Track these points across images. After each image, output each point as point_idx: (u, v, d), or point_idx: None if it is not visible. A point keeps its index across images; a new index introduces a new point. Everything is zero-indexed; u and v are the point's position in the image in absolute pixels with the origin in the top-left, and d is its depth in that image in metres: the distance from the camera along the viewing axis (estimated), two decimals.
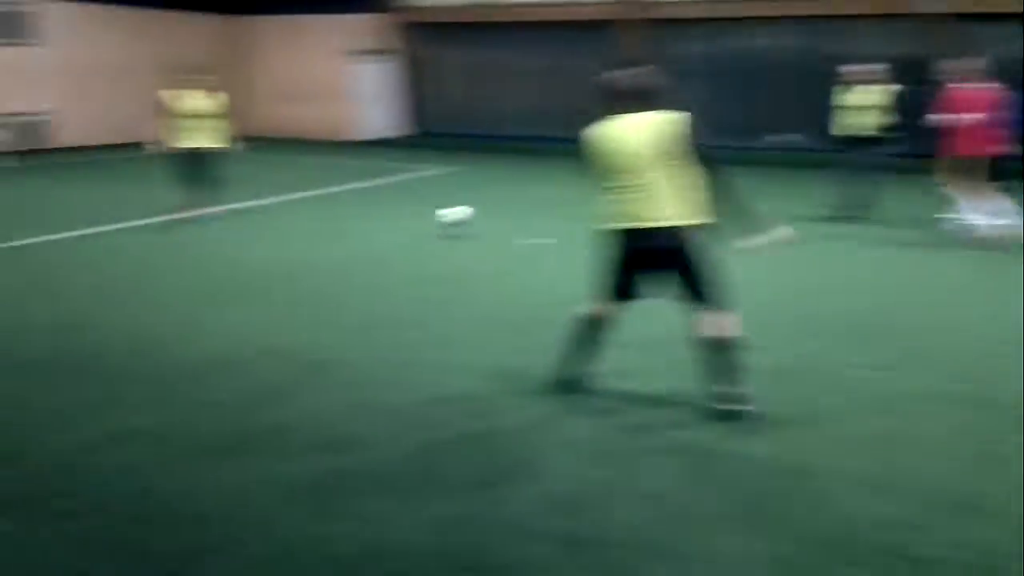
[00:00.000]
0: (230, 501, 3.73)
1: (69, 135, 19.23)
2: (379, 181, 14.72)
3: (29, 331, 6.18)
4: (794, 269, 7.84)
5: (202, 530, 3.49)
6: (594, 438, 4.40)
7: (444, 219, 9.59)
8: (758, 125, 18.75)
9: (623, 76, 4.62)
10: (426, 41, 21.53)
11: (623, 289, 4.66)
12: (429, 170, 16.29)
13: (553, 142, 19.88)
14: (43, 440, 4.37)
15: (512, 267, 8.29)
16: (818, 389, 5.08)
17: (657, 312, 5.17)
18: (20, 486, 3.89)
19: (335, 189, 13.67)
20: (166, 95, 10.05)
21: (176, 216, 9.94)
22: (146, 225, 10.16)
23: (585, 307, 4.79)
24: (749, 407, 4.49)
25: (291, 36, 22.65)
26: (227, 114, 10.33)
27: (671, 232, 4.44)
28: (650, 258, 4.54)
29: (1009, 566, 3.26)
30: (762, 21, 18.32)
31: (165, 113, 9.95)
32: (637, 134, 4.45)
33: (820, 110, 17.26)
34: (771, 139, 18.47)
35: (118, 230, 9.97)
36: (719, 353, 4.49)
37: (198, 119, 9.97)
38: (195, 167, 9.94)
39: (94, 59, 19.57)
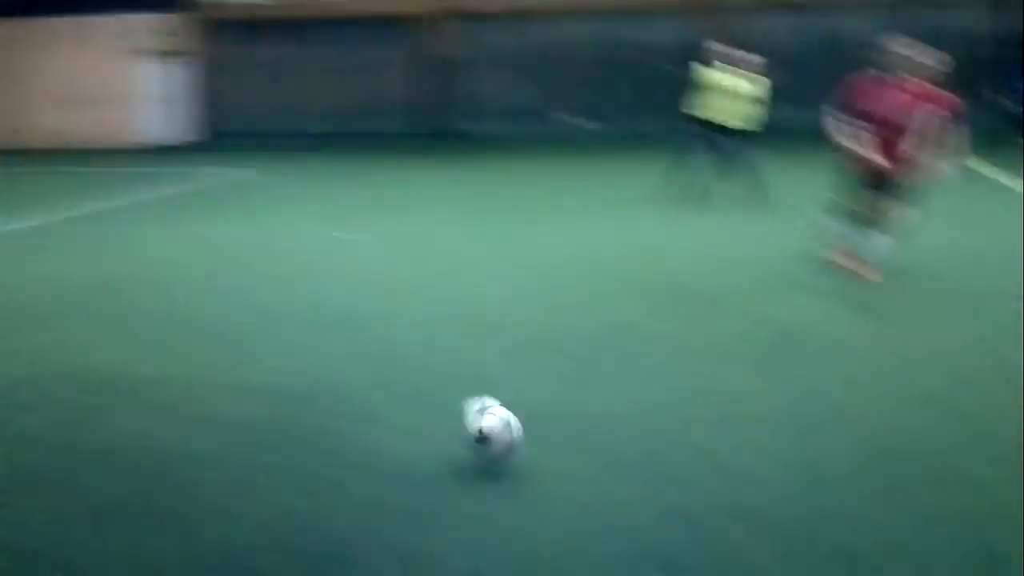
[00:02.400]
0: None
1: None
2: (172, 189, 13.76)
3: None
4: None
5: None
6: None
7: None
8: (551, 108, 19.19)
9: None
10: (221, 39, 20.46)
11: None
12: (226, 175, 15.44)
13: (357, 138, 19.57)
14: None
15: (324, 266, 7.93)
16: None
17: None
18: None
19: (123, 201, 12.59)
20: None
21: None
22: None
23: None
24: None
25: (71, 37, 20.81)
26: None
27: None
28: None
29: None
30: (562, 13, 18.70)
31: None
32: None
33: (612, 97, 18.31)
34: (567, 120, 18.92)
35: None
36: None
37: None
38: None
39: None
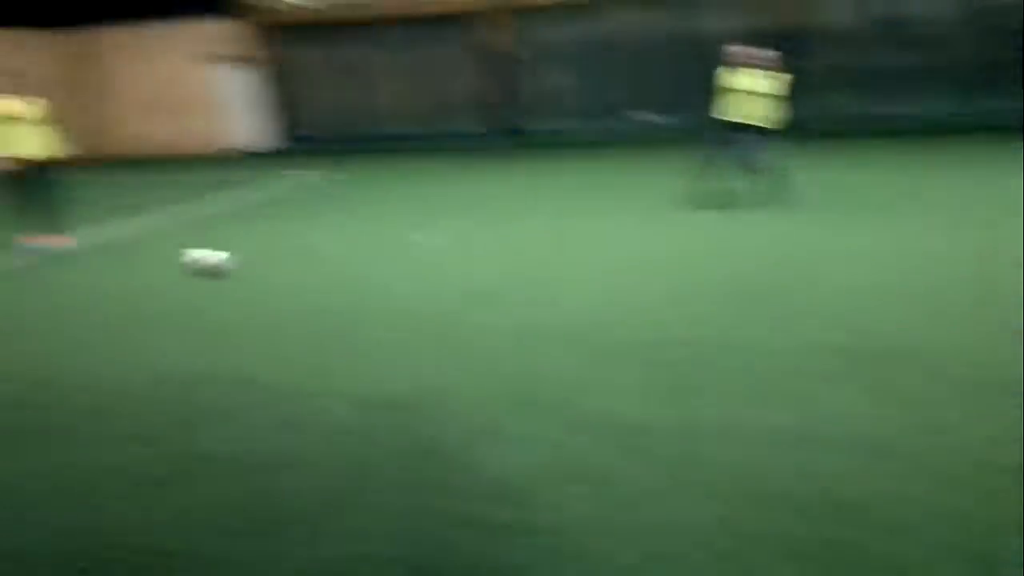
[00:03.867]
0: (174, 532, 3.59)
1: None
2: (252, 194, 14.30)
3: None
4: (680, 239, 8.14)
5: (158, 561, 3.36)
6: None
7: (195, 261, 8.29)
8: (618, 104, 19.11)
9: None
10: (288, 44, 21.00)
11: None
12: (301, 178, 15.95)
13: (423, 139, 19.91)
14: None
15: (405, 269, 8.22)
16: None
17: None
18: None
19: (208, 209, 13.12)
20: None
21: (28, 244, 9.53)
22: None
23: None
24: None
25: (142, 46, 21.66)
26: (51, 121, 9.65)
27: None
28: None
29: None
30: (619, 5, 18.71)
31: None
32: None
33: (680, 91, 18.20)
34: (635, 116, 18.90)
35: None
36: None
37: (12, 123, 9.30)
38: (26, 183, 9.39)
39: None
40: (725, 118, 10.21)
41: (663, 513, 3.55)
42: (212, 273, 8.05)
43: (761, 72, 10.09)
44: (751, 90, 10.05)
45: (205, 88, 21.45)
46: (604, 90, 19.14)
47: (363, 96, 20.81)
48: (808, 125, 14.00)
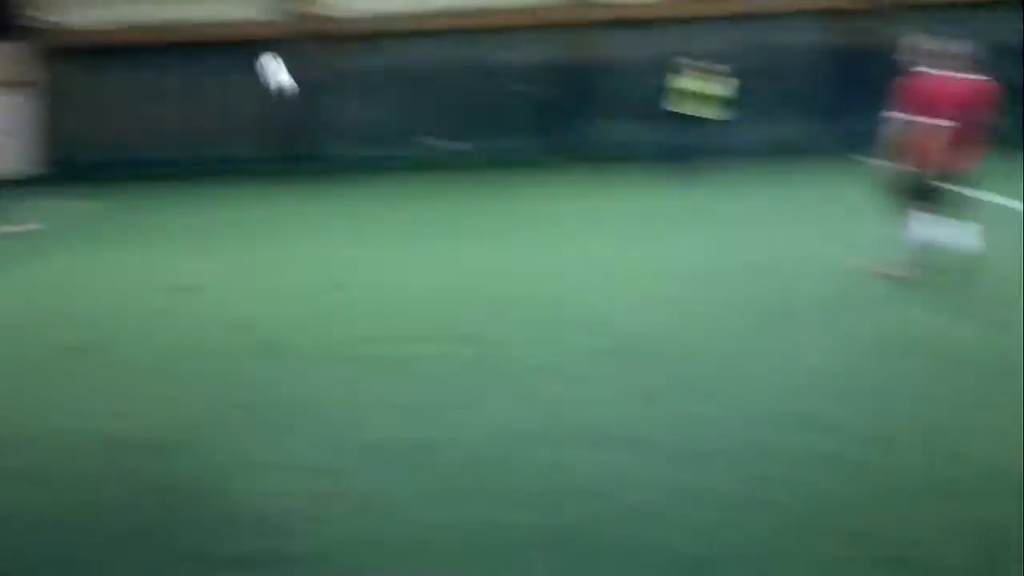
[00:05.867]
0: None
1: None
2: (18, 225, 13.13)
3: None
4: None
5: None
6: None
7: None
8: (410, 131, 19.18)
9: None
10: (68, 67, 19.58)
11: None
12: (72, 208, 14.71)
13: (200, 164, 18.89)
14: None
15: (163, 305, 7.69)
16: None
17: None
18: None
19: None
20: None
21: None
22: None
23: None
24: None
25: None
26: None
27: None
28: None
29: None
30: (428, 34, 18.76)
31: None
32: None
33: (478, 118, 18.52)
34: (433, 143, 19.03)
35: None
36: None
37: None
38: None
39: None
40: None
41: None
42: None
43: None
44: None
45: None
46: (403, 117, 19.14)
47: (143, 121, 19.68)
48: None
